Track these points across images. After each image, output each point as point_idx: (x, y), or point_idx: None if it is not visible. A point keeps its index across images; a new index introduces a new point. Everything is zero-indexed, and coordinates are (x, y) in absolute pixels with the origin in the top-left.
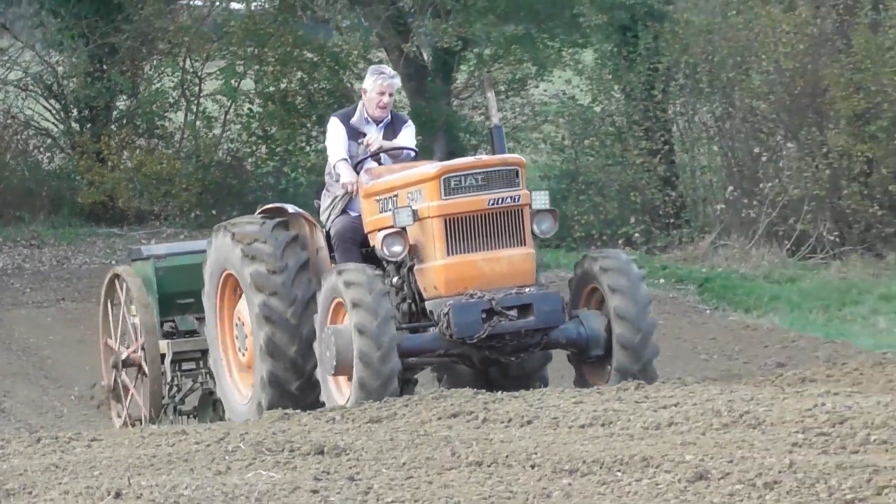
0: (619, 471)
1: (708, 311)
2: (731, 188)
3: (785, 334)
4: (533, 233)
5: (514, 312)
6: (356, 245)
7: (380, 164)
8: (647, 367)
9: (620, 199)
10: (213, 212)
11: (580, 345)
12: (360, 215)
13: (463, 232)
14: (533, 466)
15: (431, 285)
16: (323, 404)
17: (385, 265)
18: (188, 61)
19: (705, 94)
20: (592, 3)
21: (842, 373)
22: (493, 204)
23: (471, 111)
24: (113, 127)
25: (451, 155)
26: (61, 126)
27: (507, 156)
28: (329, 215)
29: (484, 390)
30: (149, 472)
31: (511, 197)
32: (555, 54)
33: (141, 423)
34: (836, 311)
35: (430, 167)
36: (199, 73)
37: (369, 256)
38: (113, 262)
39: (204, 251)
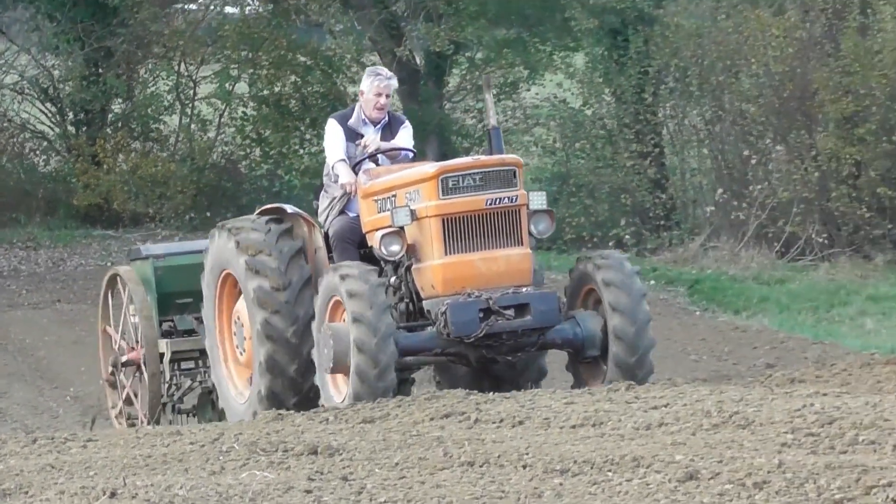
0: (609, 471)
1: (698, 313)
2: (720, 190)
3: (774, 335)
4: (530, 233)
5: (510, 312)
6: (354, 245)
7: (377, 164)
8: (644, 359)
9: (611, 201)
10: (208, 214)
11: (576, 345)
12: (358, 216)
13: (461, 232)
14: (524, 466)
15: (429, 284)
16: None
17: (383, 265)
18: (183, 65)
19: (695, 98)
20: (583, 8)
21: (830, 373)
22: (490, 204)
23: (463, 114)
24: (108, 130)
25: (443, 158)
26: (57, 129)
27: (504, 156)
28: (327, 216)
29: (476, 391)
30: (144, 472)
31: (508, 197)
32: (546, 58)
33: (140, 422)
34: (824, 312)
35: (428, 167)
36: (194, 77)
37: (367, 257)
38: (108, 263)
39: (202, 251)
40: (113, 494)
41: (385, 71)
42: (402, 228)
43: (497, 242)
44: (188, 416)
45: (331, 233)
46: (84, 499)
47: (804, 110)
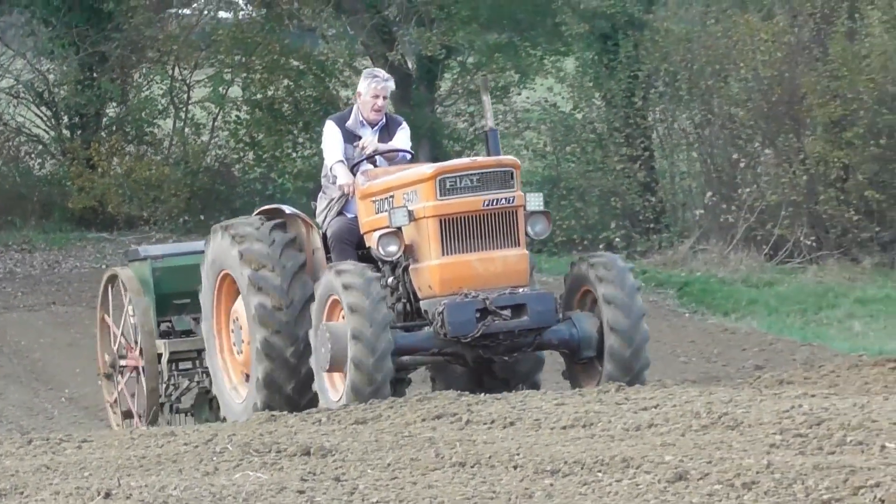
0: (599, 471)
1: (687, 315)
2: (709, 194)
3: (763, 337)
4: (527, 234)
5: (507, 312)
6: (352, 246)
7: (375, 166)
8: (639, 351)
9: (601, 204)
10: (202, 217)
11: (572, 346)
12: (356, 217)
13: (458, 232)
14: (515, 467)
15: (426, 285)
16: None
17: (380, 265)
18: (177, 69)
19: (684, 102)
20: (574, 12)
21: (818, 375)
22: (487, 205)
23: (454, 118)
24: (103, 133)
25: (434, 161)
26: (52, 133)
27: (502, 157)
28: (325, 217)
29: (467, 392)
30: (138, 473)
31: (506, 198)
32: (537, 62)
33: (139, 421)
34: (812, 314)
35: (426, 168)
36: (188, 81)
37: (365, 258)
38: (103, 266)
39: (200, 252)
40: (107, 495)
41: (382, 73)
42: (399, 229)
43: (494, 243)
44: (185, 415)
45: (329, 233)
46: (79, 499)
47: (792, 114)
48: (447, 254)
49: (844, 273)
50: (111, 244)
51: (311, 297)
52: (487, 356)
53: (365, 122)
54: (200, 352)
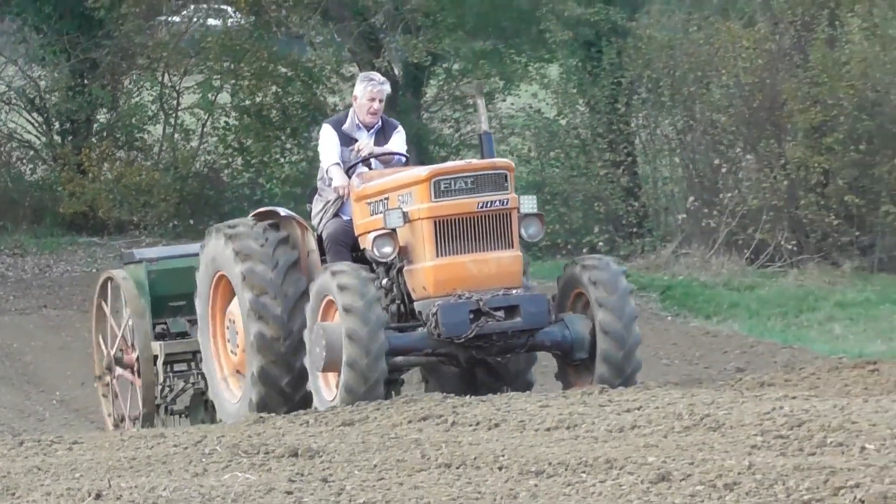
0: (583, 472)
1: (669, 318)
2: (691, 199)
3: (744, 340)
4: (520, 236)
5: (501, 313)
6: (347, 248)
7: (370, 168)
8: (631, 354)
9: (585, 209)
10: (191, 221)
11: (565, 347)
12: (351, 219)
13: (452, 234)
14: (500, 468)
15: (421, 286)
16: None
17: (375, 267)
18: (166, 76)
19: (667, 108)
20: (558, 20)
21: (799, 377)
22: (482, 207)
23: (440, 124)
24: (94, 139)
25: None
26: (43, 138)
27: (496, 160)
28: (321, 219)
29: (453, 394)
30: (128, 474)
31: (500, 200)
32: (521, 69)
33: (134, 423)
34: (793, 317)
35: (420, 170)
36: (178, 88)
37: (360, 260)
38: (94, 270)
39: (195, 255)
40: (98, 496)
41: (378, 76)
42: (394, 230)
43: (488, 245)
44: (180, 417)
45: (324, 235)
46: (70, 500)
47: (773, 120)
48: (441, 255)
49: (825, 277)
50: (102, 248)
51: (304, 293)
52: (481, 357)
53: (361, 125)
54: (196, 353)
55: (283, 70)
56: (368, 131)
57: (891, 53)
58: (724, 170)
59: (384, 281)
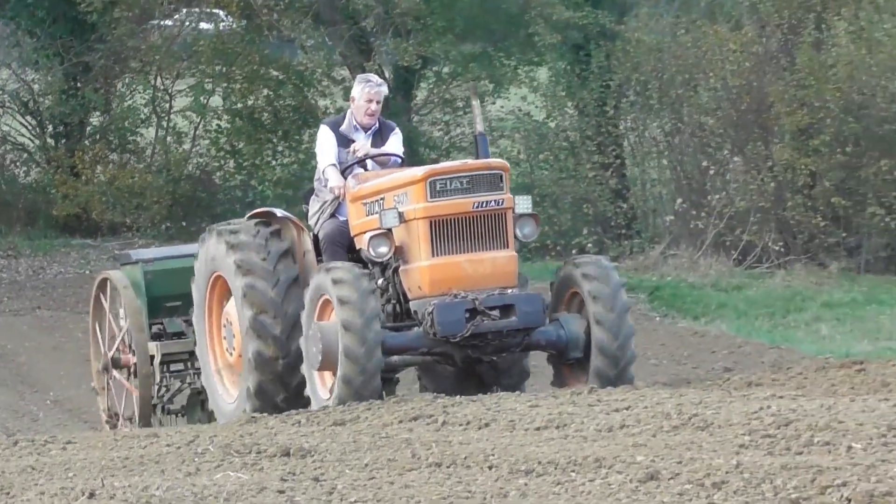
0: (573, 471)
1: (658, 319)
2: (679, 200)
3: (732, 340)
4: (515, 236)
5: (496, 312)
6: (343, 248)
7: (366, 169)
8: (624, 372)
9: (574, 210)
10: (183, 223)
11: (560, 347)
12: (347, 220)
13: (448, 234)
14: (490, 467)
15: (416, 285)
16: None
17: (370, 267)
18: (159, 79)
19: (655, 110)
20: (547, 24)
21: (786, 377)
22: (477, 207)
23: (430, 127)
24: (87, 142)
25: None
26: (37, 141)
27: (491, 160)
28: (318, 219)
29: (443, 394)
30: (121, 474)
31: (495, 200)
32: (511, 72)
33: (131, 422)
34: (780, 318)
35: (416, 170)
36: (170, 91)
37: (355, 261)
38: (87, 272)
39: (190, 255)
40: (91, 495)
41: (376, 78)
42: (389, 230)
43: (483, 245)
44: (177, 416)
45: (321, 236)
46: (63, 499)
47: (761, 122)
48: (437, 255)
49: (811, 277)
50: (95, 250)
51: (297, 279)
52: (476, 356)
53: (359, 126)
54: (192, 353)
55: (275, 73)
56: (366, 133)
57: (877, 56)
58: (711, 172)
59: (379, 281)
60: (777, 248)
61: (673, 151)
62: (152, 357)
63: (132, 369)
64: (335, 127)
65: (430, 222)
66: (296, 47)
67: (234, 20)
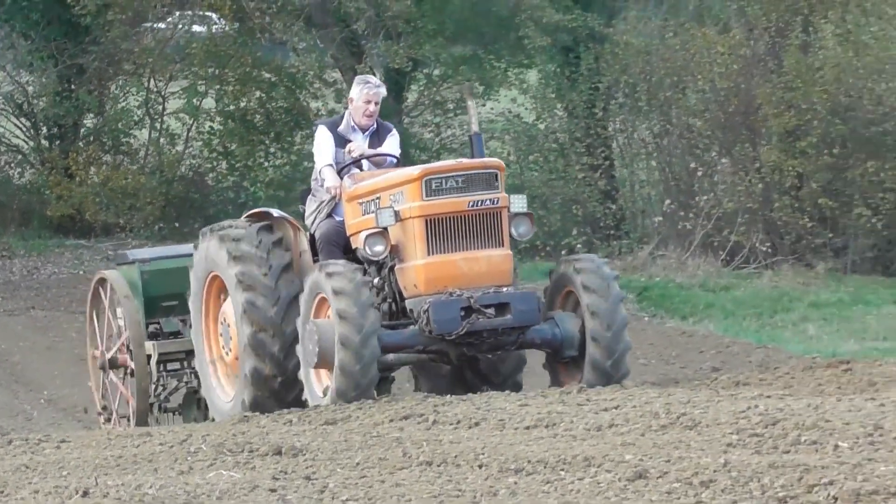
0: (562, 470)
1: (646, 319)
2: (668, 201)
3: (719, 340)
4: (510, 235)
5: (491, 311)
6: (340, 248)
7: (361, 170)
8: (620, 362)
9: (563, 211)
10: (176, 224)
11: (555, 345)
12: (344, 220)
13: (443, 232)
14: (480, 466)
15: (412, 284)
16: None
17: (367, 266)
18: (152, 81)
19: (644, 112)
20: (536, 26)
21: (774, 377)
22: (472, 206)
23: (421, 128)
24: (80, 144)
25: None
26: (31, 143)
27: (486, 159)
28: (315, 219)
29: (434, 394)
30: (115, 472)
31: (490, 199)
32: (501, 74)
33: (128, 421)
34: (767, 318)
35: (412, 169)
36: (163, 93)
37: (351, 261)
38: (81, 272)
39: (187, 255)
40: (85, 493)
41: (374, 79)
42: (385, 229)
43: (479, 243)
44: (174, 415)
45: (317, 235)
46: (57, 498)
47: (748, 124)
48: (433, 253)
49: (799, 278)
50: (89, 251)
51: (290, 265)
52: (471, 354)
53: (356, 127)
54: (188, 353)
55: (267, 75)
56: (364, 133)
57: (863, 59)
58: (699, 173)
59: (376, 280)
60: (764, 248)
61: (661, 153)
62: (149, 356)
63: (128, 370)
64: (333, 127)
65: (426, 221)
66: (288, 50)
67: (226, 23)
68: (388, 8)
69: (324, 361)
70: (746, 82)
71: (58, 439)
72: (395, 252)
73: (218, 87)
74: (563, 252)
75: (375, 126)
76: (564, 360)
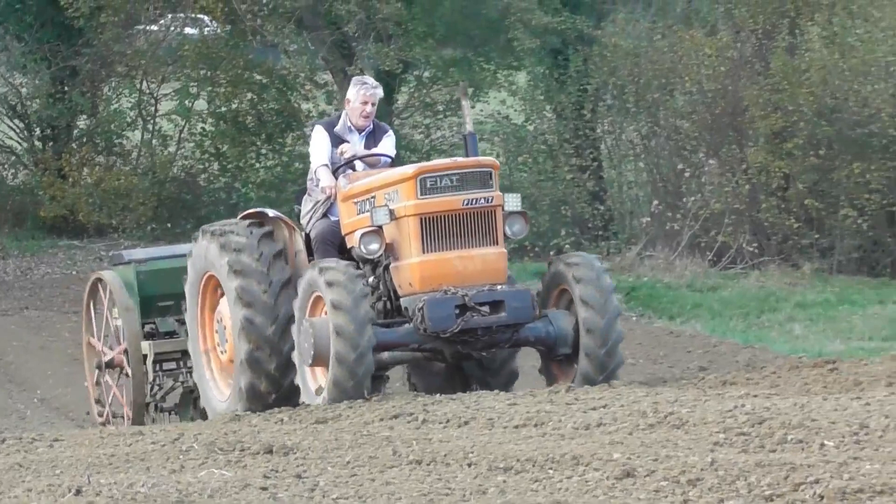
0: (550, 468)
1: (634, 318)
2: (656, 202)
3: (707, 340)
4: (505, 234)
5: (486, 308)
6: (335, 248)
7: (354, 170)
8: (614, 350)
9: (552, 212)
10: (169, 225)
11: (548, 343)
12: (339, 219)
13: (438, 231)
14: (470, 465)
15: (407, 282)
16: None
17: (361, 266)
18: (145, 83)
19: (632, 114)
20: (526, 28)
21: (760, 376)
22: (467, 204)
23: (411, 130)
24: (74, 145)
25: None
26: (25, 144)
27: (481, 158)
28: (310, 219)
29: (425, 393)
30: (107, 471)
31: (485, 198)
32: (490, 76)
33: (123, 421)
34: (754, 318)
35: (407, 168)
36: (155, 94)
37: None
38: (74, 272)
39: (182, 255)
40: (78, 492)
41: (371, 80)
42: (380, 228)
43: (473, 242)
44: (170, 414)
45: (312, 235)
46: (50, 496)
47: (735, 126)
48: (427, 251)
49: (785, 278)
50: (82, 251)
51: (289, 280)
52: (466, 351)
53: (353, 127)
54: (184, 352)
55: (259, 77)
56: (360, 134)
57: (849, 61)
58: (687, 174)
59: (370, 279)
60: (751, 249)
61: (649, 154)
62: (145, 356)
63: (124, 370)
64: (329, 128)
65: (421, 219)
66: (279, 52)
67: (218, 25)
68: (379, 10)
69: (319, 358)
70: (733, 84)
71: (51, 438)
72: (390, 250)
73: (210, 88)
74: (551, 252)
75: (372, 127)
76: (558, 358)
